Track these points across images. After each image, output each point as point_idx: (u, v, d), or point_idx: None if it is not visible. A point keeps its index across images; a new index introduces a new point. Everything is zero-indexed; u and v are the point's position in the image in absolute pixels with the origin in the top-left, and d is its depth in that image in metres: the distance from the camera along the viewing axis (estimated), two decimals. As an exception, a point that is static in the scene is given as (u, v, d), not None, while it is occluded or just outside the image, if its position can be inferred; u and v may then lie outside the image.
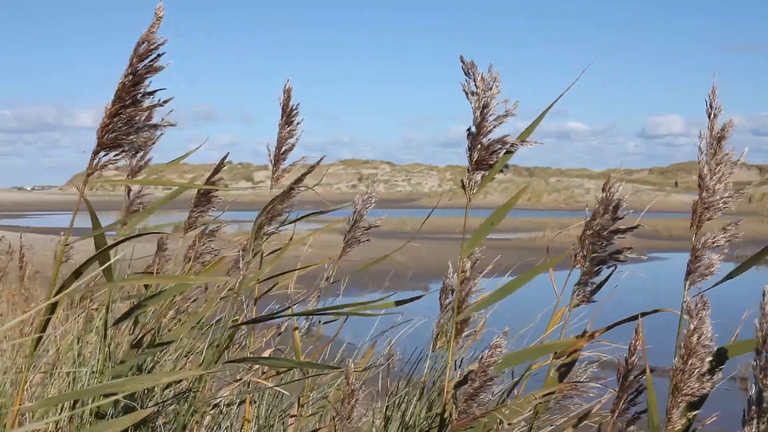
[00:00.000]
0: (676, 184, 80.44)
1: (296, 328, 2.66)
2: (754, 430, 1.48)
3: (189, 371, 2.24)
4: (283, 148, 2.54)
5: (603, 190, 1.95)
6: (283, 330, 2.88)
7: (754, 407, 1.48)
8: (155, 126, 1.68)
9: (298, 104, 2.53)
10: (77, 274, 1.64)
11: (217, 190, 2.55)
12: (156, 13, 1.60)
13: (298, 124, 2.53)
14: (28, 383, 2.50)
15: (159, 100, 1.66)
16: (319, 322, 2.86)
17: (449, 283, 2.53)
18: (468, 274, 2.04)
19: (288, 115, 2.52)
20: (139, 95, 1.62)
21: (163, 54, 1.62)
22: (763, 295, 1.49)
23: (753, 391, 1.49)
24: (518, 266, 3.13)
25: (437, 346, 2.67)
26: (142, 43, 1.60)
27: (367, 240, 2.69)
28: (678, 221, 34.12)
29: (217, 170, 2.52)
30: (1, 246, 7.66)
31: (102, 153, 1.65)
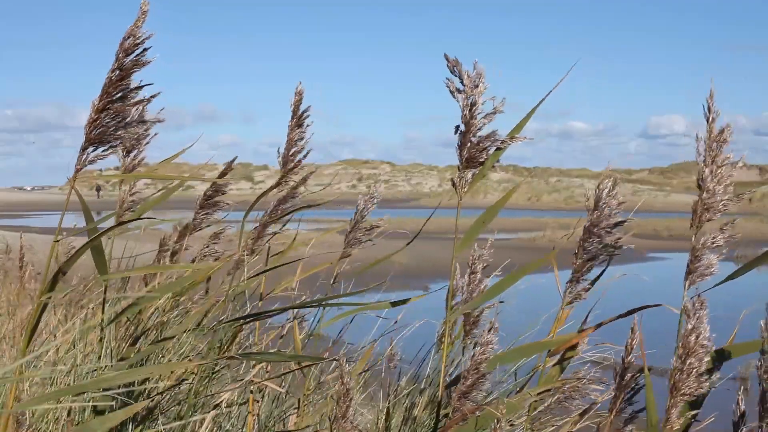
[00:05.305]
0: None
1: (296, 318, 2.64)
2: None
3: (182, 363, 2.23)
4: (292, 150, 2.53)
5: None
6: (285, 333, 2.87)
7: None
8: (143, 122, 1.66)
9: (309, 107, 2.51)
10: (67, 266, 1.64)
11: (215, 181, 2.54)
12: (141, 8, 1.58)
13: (308, 126, 2.52)
14: (27, 382, 2.50)
15: (146, 96, 1.63)
16: (318, 321, 2.85)
17: (457, 284, 2.52)
18: (479, 276, 2.05)
19: (299, 118, 2.51)
20: (126, 91, 1.60)
21: (149, 48, 1.59)
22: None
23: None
24: (519, 266, 3.12)
25: (441, 347, 2.67)
26: (128, 37, 1.58)
27: (369, 240, 2.67)
28: (678, 221, 34.10)
29: (224, 173, 2.51)
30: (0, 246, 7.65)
31: (90, 149, 1.63)
